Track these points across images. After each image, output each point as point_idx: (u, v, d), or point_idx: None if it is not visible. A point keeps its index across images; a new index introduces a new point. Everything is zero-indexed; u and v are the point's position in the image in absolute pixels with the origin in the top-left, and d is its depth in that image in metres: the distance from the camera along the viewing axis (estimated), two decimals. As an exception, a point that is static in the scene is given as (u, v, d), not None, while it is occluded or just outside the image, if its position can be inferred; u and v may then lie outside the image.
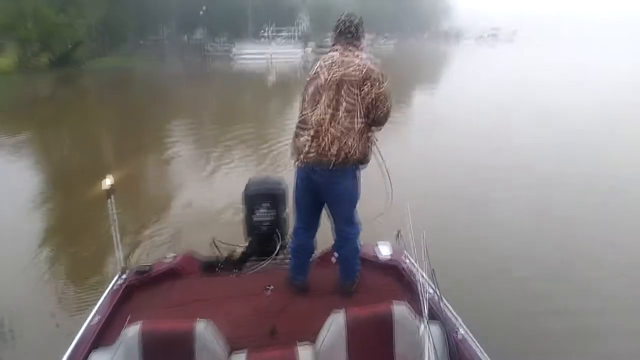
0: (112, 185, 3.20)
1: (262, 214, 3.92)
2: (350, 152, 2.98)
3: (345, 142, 2.97)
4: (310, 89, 3.10)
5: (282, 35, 58.73)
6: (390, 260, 3.54)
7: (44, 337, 4.30)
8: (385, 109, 3.05)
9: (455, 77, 33.23)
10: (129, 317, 2.78)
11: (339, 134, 2.97)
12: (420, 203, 6.31)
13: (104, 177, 3.20)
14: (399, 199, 3.33)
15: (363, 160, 3.11)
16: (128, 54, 48.16)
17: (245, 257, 4.00)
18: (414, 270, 2.94)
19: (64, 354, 2.49)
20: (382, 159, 3.35)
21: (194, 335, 2.36)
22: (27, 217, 7.11)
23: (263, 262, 3.88)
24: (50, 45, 37.87)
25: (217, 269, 3.82)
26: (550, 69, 30.71)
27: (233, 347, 2.52)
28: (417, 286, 2.64)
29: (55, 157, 12.36)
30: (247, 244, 4.08)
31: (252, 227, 3.98)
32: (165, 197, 8.43)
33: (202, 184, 8.92)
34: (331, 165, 3.00)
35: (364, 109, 2.99)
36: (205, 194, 8.24)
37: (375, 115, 3.04)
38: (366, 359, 2.47)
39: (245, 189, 4.03)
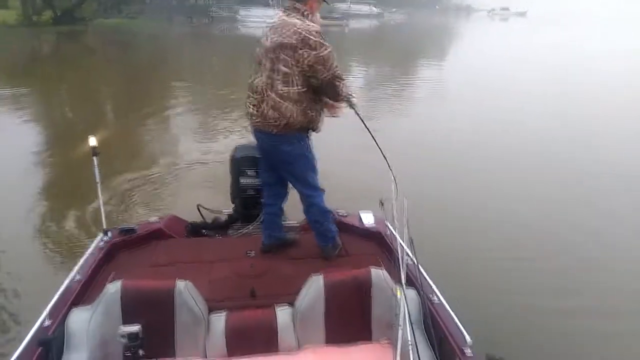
0: (96, 145, 3.18)
1: (248, 179, 3.98)
2: (290, 119, 2.97)
3: (284, 109, 2.96)
4: (257, 55, 3.10)
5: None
6: (372, 228, 3.64)
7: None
8: (327, 74, 2.96)
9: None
10: (111, 275, 2.85)
11: (277, 101, 2.97)
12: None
13: (89, 137, 3.20)
14: (382, 169, 3.37)
15: (308, 126, 3.10)
16: (134, 13, 47.48)
17: (230, 221, 4.11)
18: (394, 238, 3.03)
19: (43, 310, 2.49)
20: (367, 126, 3.32)
21: (173, 294, 2.42)
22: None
23: (247, 226, 3.98)
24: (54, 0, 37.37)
25: (201, 233, 3.91)
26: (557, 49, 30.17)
27: (212, 308, 2.60)
28: (395, 253, 2.74)
29: (55, 113, 12.43)
30: (231, 209, 4.17)
31: (237, 192, 4.06)
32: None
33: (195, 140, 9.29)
34: (274, 131, 3.03)
35: (301, 75, 2.94)
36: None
37: (317, 82, 2.98)
38: (343, 320, 2.59)
39: (233, 155, 4.10)
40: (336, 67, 3.00)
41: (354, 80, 17.85)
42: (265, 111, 3.01)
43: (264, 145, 3.21)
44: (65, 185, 6.89)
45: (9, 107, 11.68)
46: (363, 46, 33.97)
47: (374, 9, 76.88)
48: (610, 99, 13.69)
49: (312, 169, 3.25)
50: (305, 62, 2.91)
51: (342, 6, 67.52)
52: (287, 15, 3.04)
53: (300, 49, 2.89)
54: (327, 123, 3.30)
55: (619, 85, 16.06)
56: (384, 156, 3.32)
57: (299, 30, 2.91)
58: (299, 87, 2.97)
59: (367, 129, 3.36)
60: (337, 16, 58.36)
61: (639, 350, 3.78)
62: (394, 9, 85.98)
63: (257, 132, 3.15)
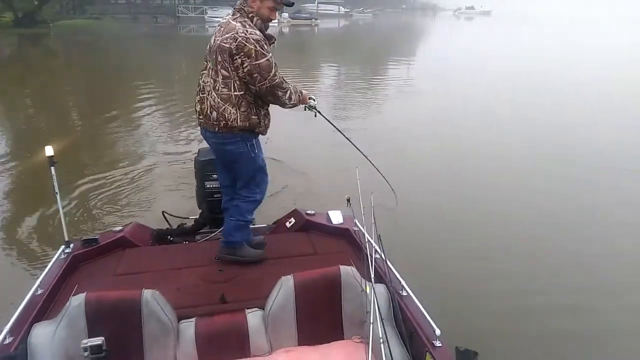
0: (53, 155, 3.04)
1: (214, 182, 3.86)
2: (230, 121, 2.92)
3: (223, 111, 2.92)
4: (205, 53, 3.07)
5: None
6: (341, 226, 3.62)
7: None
8: (265, 84, 2.89)
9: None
10: (75, 288, 2.74)
11: (217, 102, 2.93)
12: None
13: (45, 146, 3.04)
14: (349, 165, 3.33)
15: (251, 129, 3.02)
16: (98, 14, 46.53)
17: (196, 227, 4.00)
18: (363, 235, 3.02)
19: (4, 327, 2.36)
20: (332, 123, 3.38)
21: (140, 304, 2.34)
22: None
23: (214, 231, 3.88)
24: (15, 1, 36.30)
25: (167, 240, 3.80)
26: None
27: (182, 316, 2.53)
28: (364, 250, 2.73)
29: (13, 115, 12.01)
30: (198, 215, 4.07)
31: (204, 196, 3.96)
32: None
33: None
34: (216, 130, 2.99)
35: (241, 80, 2.90)
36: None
37: (256, 89, 2.92)
38: (314, 320, 2.56)
39: (196, 159, 4.01)
40: (276, 76, 2.91)
41: (326, 79, 17.95)
42: (207, 111, 2.98)
43: (210, 143, 3.16)
44: (25, 191, 6.64)
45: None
46: (334, 44, 33.96)
47: (342, 8, 77.37)
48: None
49: (258, 170, 3.18)
50: (243, 69, 2.85)
51: (310, 6, 67.76)
52: (233, 17, 2.96)
53: (237, 55, 2.82)
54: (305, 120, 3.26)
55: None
56: (362, 152, 3.33)
57: (237, 35, 2.82)
58: (239, 92, 2.91)
59: (333, 125, 3.37)
60: (305, 15, 58.59)
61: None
62: (361, 8, 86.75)
63: (203, 129, 3.12)
